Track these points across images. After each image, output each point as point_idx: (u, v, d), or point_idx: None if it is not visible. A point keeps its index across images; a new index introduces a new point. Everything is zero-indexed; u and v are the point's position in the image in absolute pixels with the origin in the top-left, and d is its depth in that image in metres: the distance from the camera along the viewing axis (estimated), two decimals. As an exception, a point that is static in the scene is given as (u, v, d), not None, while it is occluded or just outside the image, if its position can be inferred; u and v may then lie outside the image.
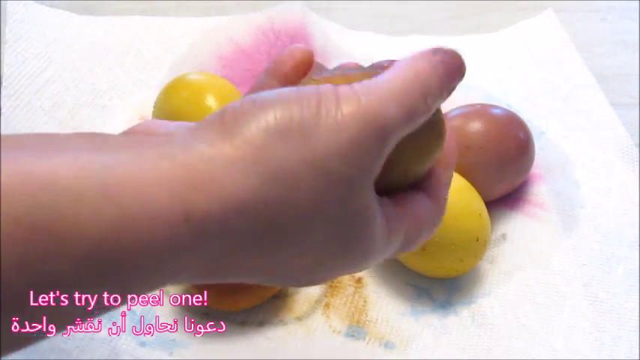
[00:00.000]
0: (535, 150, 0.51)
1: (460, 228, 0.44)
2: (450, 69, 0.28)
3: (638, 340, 0.43)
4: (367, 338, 0.44)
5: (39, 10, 0.61)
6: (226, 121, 0.24)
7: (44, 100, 0.54)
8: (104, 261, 0.21)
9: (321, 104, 0.24)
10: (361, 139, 0.24)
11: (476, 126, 0.49)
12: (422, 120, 0.26)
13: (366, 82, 0.26)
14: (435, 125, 0.28)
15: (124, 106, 0.57)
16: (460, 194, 0.45)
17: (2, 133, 0.49)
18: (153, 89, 0.56)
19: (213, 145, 0.23)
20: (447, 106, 0.53)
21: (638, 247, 0.48)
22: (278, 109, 0.24)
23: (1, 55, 0.56)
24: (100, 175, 0.21)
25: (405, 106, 0.25)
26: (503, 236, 0.50)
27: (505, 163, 0.49)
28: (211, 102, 0.52)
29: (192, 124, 0.25)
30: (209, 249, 0.23)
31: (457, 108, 0.52)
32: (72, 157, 0.21)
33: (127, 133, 0.27)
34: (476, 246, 0.45)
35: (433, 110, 0.27)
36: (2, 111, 0.52)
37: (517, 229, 0.50)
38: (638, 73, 0.63)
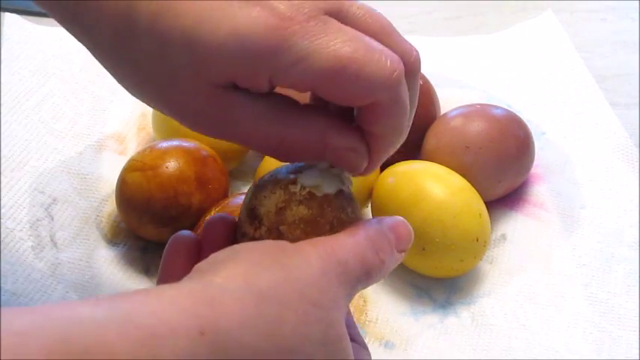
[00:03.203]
0: (535, 150, 0.51)
1: (460, 228, 0.44)
2: (398, 231, 0.30)
3: (638, 340, 0.43)
4: (367, 338, 0.44)
5: (36, 29, 0.61)
6: (203, 270, 0.26)
7: (43, 114, 0.55)
8: None
9: (285, 249, 0.27)
10: (325, 271, 0.26)
11: (476, 126, 0.49)
12: (379, 276, 0.29)
13: (319, 238, 0.28)
14: None
15: (126, 106, 0.57)
16: (460, 194, 0.45)
17: (2, 149, 0.50)
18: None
19: (201, 281, 0.25)
20: (447, 106, 0.54)
21: (638, 247, 0.48)
22: (248, 250, 0.26)
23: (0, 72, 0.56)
24: (115, 305, 0.22)
25: (358, 259, 0.28)
26: (503, 236, 0.50)
27: (505, 163, 0.49)
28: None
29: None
30: None
31: (457, 108, 0.52)
32: (80, 302, 0.22)
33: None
34: (476, 246, 0.45)
35: (388, 268, 0.29)
36: (2, 127, 0.52)
37: (517, 229, 0.50)
38: (638, 73, 0.63)
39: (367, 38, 0.28)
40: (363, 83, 0.27)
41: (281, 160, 0.31)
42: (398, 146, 0.31)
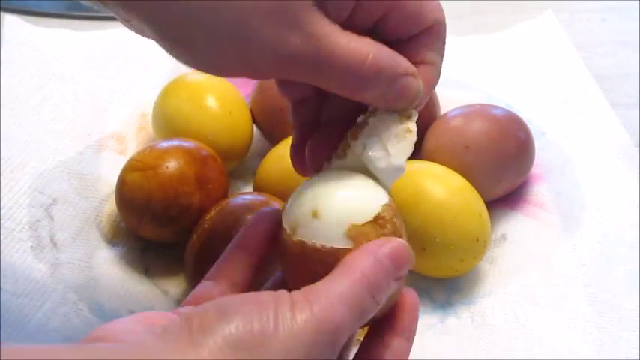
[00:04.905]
0: (535, 150, 0.51)
1: (460, 228, 0.44)
2: (397, 259, 0.29)
3: (638, 340, 0.43)
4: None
5: (36, 31, 0.61)
6: (194, 331, 0.26)
7: (43, 114, 0.55)
8: None
9: (278, 313, 0.26)
10: (315, 344, 0.26)
11: (476, 126, 0.49)
12: (370, 317, 0.28)
13: (317, 287, 0.27)
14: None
15: (125, 105, 0.57)
16: (460, 194, 0.45)
17: (2, 150, 0.50)
18: (153, 89, 0.56)
19: (183, 356, 0.25)
20: (447, 106, 0.54)
21: (638, 247, 0.48)
22: (240, 320, 0.26)
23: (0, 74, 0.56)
24: None
25: (355, 308, 0.27)
26: (503, 236, 0.50)
27: (505, 163, 0.49)
28: (211, 102, 0.52)
29: (159, 329, 0.26)
30: None
31: (457, 108, 0.52)
32: None
33: (95, 339, 0.27)
34: (476, 246, 0.45)
35: (383, 303, 0.29)
36: (2, 128, 0.52)
37: (517, 229, 0.50)
38: (638, 73, 0.63)
39: None
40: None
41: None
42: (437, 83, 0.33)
